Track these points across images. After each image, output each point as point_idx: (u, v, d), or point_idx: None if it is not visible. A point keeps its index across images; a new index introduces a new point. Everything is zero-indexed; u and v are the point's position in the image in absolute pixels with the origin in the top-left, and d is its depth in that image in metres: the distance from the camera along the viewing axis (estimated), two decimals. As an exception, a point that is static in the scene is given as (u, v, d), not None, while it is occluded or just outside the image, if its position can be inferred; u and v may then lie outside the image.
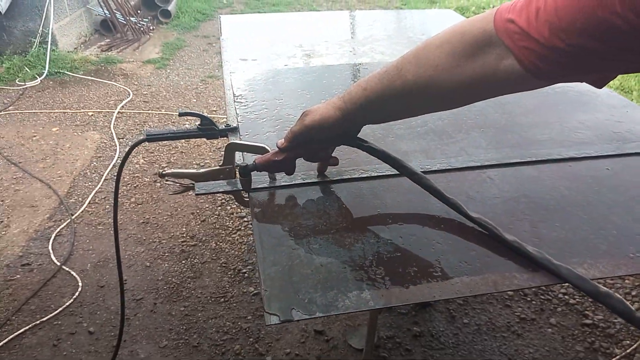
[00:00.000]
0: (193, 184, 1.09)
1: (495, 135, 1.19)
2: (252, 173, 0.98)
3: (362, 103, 0.83)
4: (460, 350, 1.77)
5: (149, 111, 3.69)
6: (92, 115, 3.60)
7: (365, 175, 1.02)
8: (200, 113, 1.17)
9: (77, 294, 2.04)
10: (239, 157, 1.08)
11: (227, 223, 2.49)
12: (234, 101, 1.36)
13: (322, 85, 1.47)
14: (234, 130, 1.21)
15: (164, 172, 1.10)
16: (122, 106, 3.74)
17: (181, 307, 1.99)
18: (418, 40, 1.92)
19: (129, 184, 2.81)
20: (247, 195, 1.00)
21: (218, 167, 1.05)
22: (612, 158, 1.10)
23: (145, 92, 4.00)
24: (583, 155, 1.09)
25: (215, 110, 3.73)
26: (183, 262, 2.24)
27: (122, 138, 3.32)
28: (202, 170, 1.07)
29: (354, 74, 1.58)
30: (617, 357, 1.70)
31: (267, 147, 0.98)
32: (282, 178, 1.01)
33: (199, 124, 1.18)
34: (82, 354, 1.78)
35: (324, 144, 0.95)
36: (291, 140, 0.91)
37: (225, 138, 1.21)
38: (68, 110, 3.66)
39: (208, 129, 1.18)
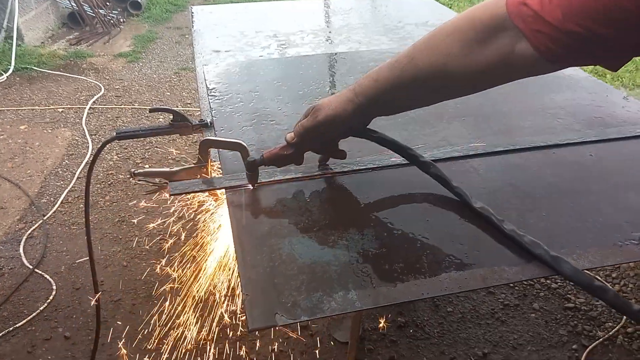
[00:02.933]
0: (167, 182, 1.05)
1: (477, 123, 1.17)
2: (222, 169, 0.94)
3: (374, 95, 0.81)
4: (446, 339, 1.76)
5: (122, 106, 3.59)
6: (62, 111, 3.49)
7: (355, 168, 0.98)
8: (172, 108, 1.12)
9: (51, 297, 1.98)
10: (214, 154, 1.04)
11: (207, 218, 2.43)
12: (208, 95, 1.31)
13: (299, 76, 1.43)
14: (208, 125, 1.16)
15: (135, 172, 1.05)
16: (94, 101, 3.63)
17: (161, 307, 1.94)
18: (395, 27, 1.88)
19: (102, 182, 2.73)
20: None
21: (193, 165, 1.01)
22: (595, 144, 1.08)
23: (117, 87, 3.89)
24: (567, 142, 1.08)
25: (190, 103, 3.65)
26: (162, 260, 2.18)
27: (95, 134, 3.22)
28: (176, 168, 1.03)
29: (331, 63, 1.54)
30: (600, 339, 1.71)
31: (243, 142, 0.94)
32: (261, 174, 0.97)
33: (171, 120, 1.13)
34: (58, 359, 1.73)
35: (334, 137, 0.93)
36: (301, 135, 0.89)
37: (199, 133, 1.17)
38: (37, 107, 3.53)
39: (181, 125, 1.13)
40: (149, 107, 1.10)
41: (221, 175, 0.98)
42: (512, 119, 1.19)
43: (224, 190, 0.94)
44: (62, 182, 2.73)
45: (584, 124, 1.16)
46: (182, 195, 0.97)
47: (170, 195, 0.92)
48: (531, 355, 1.68)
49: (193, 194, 0.97)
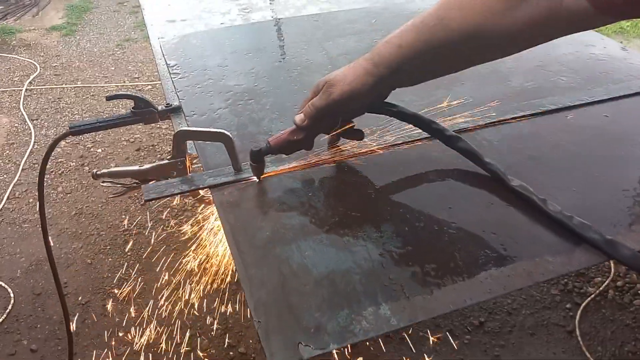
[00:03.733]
0: (137, 182, 0.90)
1: (478, 87, 1.06)
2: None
3: (398, 63, 0.70)
4: (439, 310, 1.71)
5: (63, 85, 3.29)
6: (-5, 96, 3.17)
7: (363, 151, 0.86)
8: (134, 94, 0.96)
9: (9, 307, 1.79)
10: (191, 146, 0.89)
11: (171, 203, 2.26)
12: (169, 73, 1.14)
13: (271, 45, 1.27)
14: (177, 110, 1.00)
15: (98, 172, 0.90)
16: (30, 82, 3.31)
17: (135, 305, 1.79)
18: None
19: (52, 172, 2.50)
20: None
21: (167, 161, 0.86)
22: (607, 103, 1.00)
23: (55, 64, 3.56)
24: (577, 103, 0.99)
25: (137, 77, 3.39)
26: (129, 253, 2.01)
27: (36, 119, 2.94)
28: (146, 166, 0.88)
29: (304, 28, 1.39)
30: (592, 296, 1.69)
31: (226, 132, 0.79)
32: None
33: (133, 107, 0.97)
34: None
35: (350, 116, 0.81)
36: (313, 117, 0.76)
37: (167, 120, 1.01)
38: (-35, 93, 3.19)
39: (145, 112, 0.97)
40: (106, 95, 0.93)
41: (202, 172, 0.84)
42: (513, 80, 1.09)
43: (208, 189, 0.80)
44: (5, 176, 2.48)
45: (589, 82, 1.07)
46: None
47: (145, 201, 0.78)
48: (527, 319, 1.65)
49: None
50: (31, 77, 3.37)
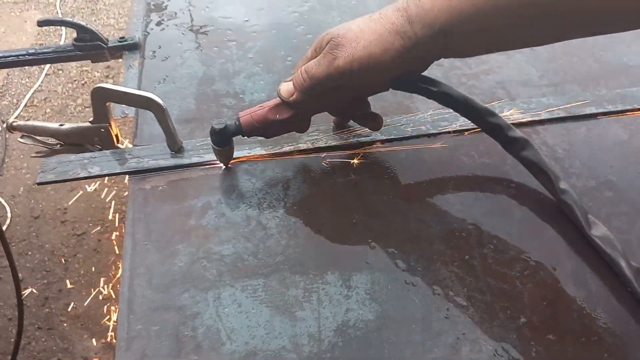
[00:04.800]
0: (61, 144, 0.68)
1: (553, 58, 0.74)
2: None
3: (445, 22, 0.45)
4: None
5: (103, -16, 3.07)
6: (32, -10, 2.99)
7: (377, 139, 0.60)
8: (75, 20, 0.72)
9: (4, 227, 1.70)
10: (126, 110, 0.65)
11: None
12: (145, -7, 0.88)
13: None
14: (133, 47, 0.75)
15: (13, 124, 0.69)
16: (71, -22, 3.11)
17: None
18: None
19: (75, 81, 2.34)
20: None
21: (89, 124, 0.63)
22: None
23: (99, -41, 3.32)
24: (701, 100, 0.66)
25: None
26: (136, 184, 1.86)
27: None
28: (67, 125, 0.66)
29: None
30: None
31: (155, 97, 0.54)
32: (189, 149, 0.59)
33: (75, 39, 0.74)
34: (7, 308, 1.48)
35: (365, 92, 0.56)
36: (308, 90, 0.51)
37: (119, 59, 0.77)
38: (4, -16, 3.04)
39: (90, 47, 0.74)
40: (39, 19, 0.69)
41: (131, 147, 0.61)
42: (608, 51, 0.75)
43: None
44: (27, 80, 2.35)
45: None
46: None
47: (37, 184, 0.56)
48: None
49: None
50: (73, -28, 3.16)
